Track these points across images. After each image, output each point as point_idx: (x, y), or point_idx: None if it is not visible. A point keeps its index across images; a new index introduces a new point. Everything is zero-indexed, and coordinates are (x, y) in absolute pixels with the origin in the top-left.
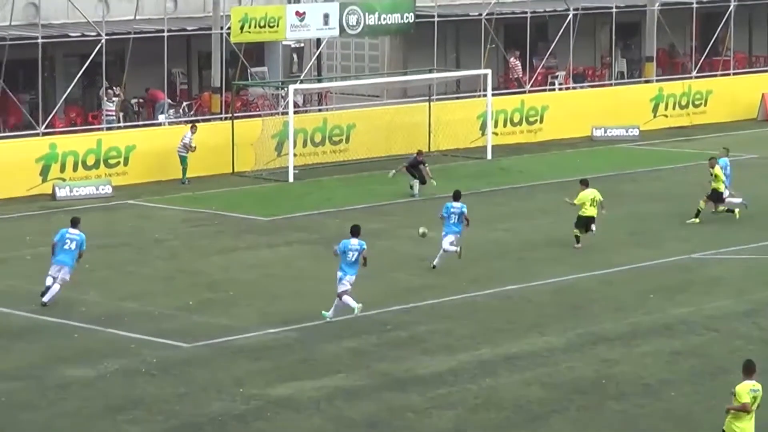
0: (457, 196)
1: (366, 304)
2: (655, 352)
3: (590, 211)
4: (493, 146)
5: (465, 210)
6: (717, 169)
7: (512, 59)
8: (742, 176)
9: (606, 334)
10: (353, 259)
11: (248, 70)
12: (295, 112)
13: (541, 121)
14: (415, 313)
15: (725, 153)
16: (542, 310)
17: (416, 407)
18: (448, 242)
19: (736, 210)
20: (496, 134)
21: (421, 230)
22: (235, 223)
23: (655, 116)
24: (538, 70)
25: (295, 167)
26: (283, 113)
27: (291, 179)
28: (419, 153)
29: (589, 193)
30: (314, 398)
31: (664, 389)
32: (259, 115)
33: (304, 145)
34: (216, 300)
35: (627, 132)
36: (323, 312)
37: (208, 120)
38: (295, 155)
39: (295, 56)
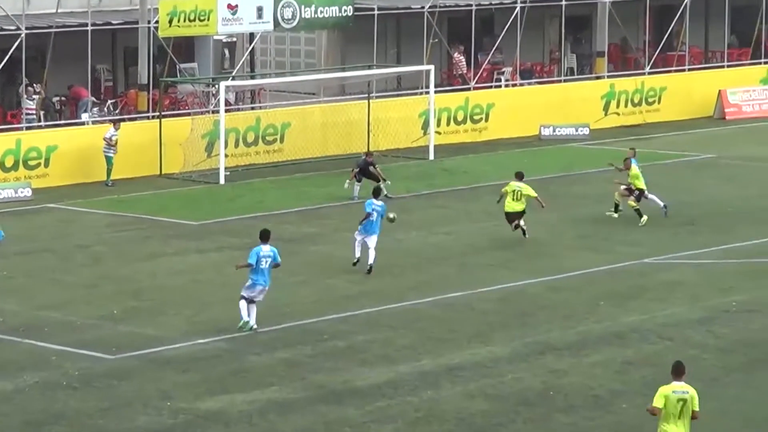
0: (377, 193)
1: (301, 313)
2: (605, 361)
3: (512, 205)
4: (435, 146)
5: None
6: (634, 169)
7: (456, 54)
8: (698, 177)
9: (554, 344)
10: (267, 267)
11: (177, 67)
12: (226, 111)
13: (487, 120)
14: (352, 322)
15: (633, 153)
16: (486, 319)
17: (353, 421)
18: (372, 242)
19: (644, 218)
20: (439, 133)
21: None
22: (163, 228)
23: (606, 114)
24: (484, 65)
25: (226, 169)
26: (213, 112)
27: (222, 181)
28: (368, 154)
29: (512, 185)
30: (246, 412)
31: (615, 401)
32: (189, 114)
33: (236, 145)
34: (142, 308)
35: (577, 131)
36: (243, 322)
37: (135, 119)
38: (226, 156)
39: (226, 51)
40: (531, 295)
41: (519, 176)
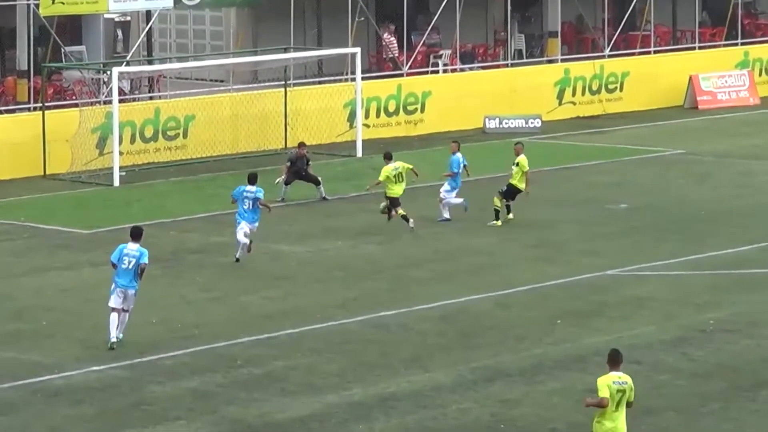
0: (252, 180)
1: (210, 335)
2: (564, 389)
3: (396, 189)
4: (364, 141)
5: (261, 195)
6: (522, 159)
7: (386, 35)
8: (666, 176)
9: (504, 369)
10: (129, 268)
11: (62, 50)
12: (120, 101)
13: (423, 110)
14: (270, 345)
15: (457, 147)
16: (425, 341)
17: None
18: (241, 233)
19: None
20: (368, 126)
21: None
22: (49, 237)
23: (560, 104)
24: (418, 48)
25: (121, 168)
26: (105, 102)
27: (116, 183)
28: (301, 145)
29: (391, 168)
30: None
31: None
32: (77, 105)
33: (132, 141)
34: (25, 331)
35: (527, 123)
36: (112, 340)
37: (13, 111)
38: (120, 153)
39: (119, 32)
40: (476, 314)
41: (388, 157)
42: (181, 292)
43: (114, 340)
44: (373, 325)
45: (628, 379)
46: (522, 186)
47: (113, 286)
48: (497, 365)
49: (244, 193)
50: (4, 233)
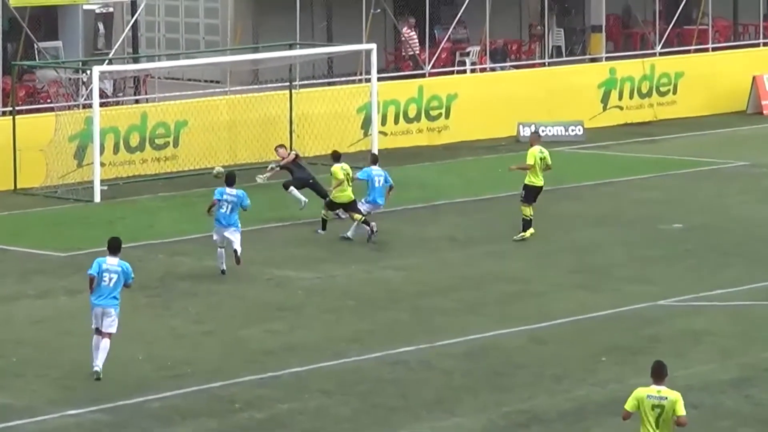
0: (231, 181)
1: (205, 374)
2: None
3: (349, 193)
4: (380, 151)
5: (246, 202)
6: (530, 151)
7: (406, 29)
8: (726, 192)
9: (541, 414)
10: (110, 285)
11: (35, 46)
12: (101, 105)
13: (447, 116)
14: (273, 386)
15: (374, 160)
16: (451, 381)
17: None
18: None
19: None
20: (385, 134)
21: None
22: (20, 261)
23: (605, 109)
24: (442, 44)
25: (103, 182)
26: (84, 106)
27: (97, 198)
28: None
29: (339, 167)
30: None
31: None
32: (52, 109)
33: (116, 150)
34: None
35: (567, 131)
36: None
37: None
38: (102, 165)
39: (101, 26)
40: (508, 350)
41: (336, 157)
42: (170, 324)
43: (96, 368)
44: (391, 363)
45: (670, 394)
46: (537, 182)
47: (91, 306)
48: (532, 409)
49: (224, 196)
50: None
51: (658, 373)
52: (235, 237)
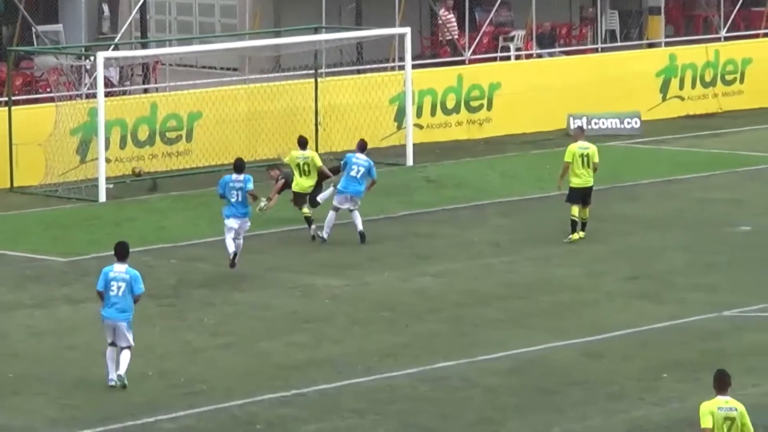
0: (239, 167)
1: (223, 391)
2: None
3: (302, 183)
4: (415, 146)
5: (250, 185)
6: (569, 148)
7: (443, 12)
8: None
9: None
10: (119, 294)
11: (33, 30)
12: (107, 94)
13: (489, 107)
14: (299, 405)
15: (361, 147)
16: (495, 399)
17: None
18: (230, 237)
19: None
20: (421, 127)
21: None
22: (16, 266)
23: (664, 99)
24: (484, 28)
25: (108, 180)
26: (88, 96)
27: (102, 198)
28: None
29: (299, 154)
30: None
31: None
32: (52, 99)
33: (122, 144)
34: None
35: (622, 123)
36: (110, 383)
37: None
38: (108, 161)
39: (105, 8)
40: (559, 365)
41: (302, 143)
42: (184, 337)
43: (113, 382)
44: (429, 380)
45: (738, 405)
46: (577, 181)
47: (102, 319)
48: (586, 430)
49: (230, 184)
50: None
51: (722, 383)
52: (242, 230)
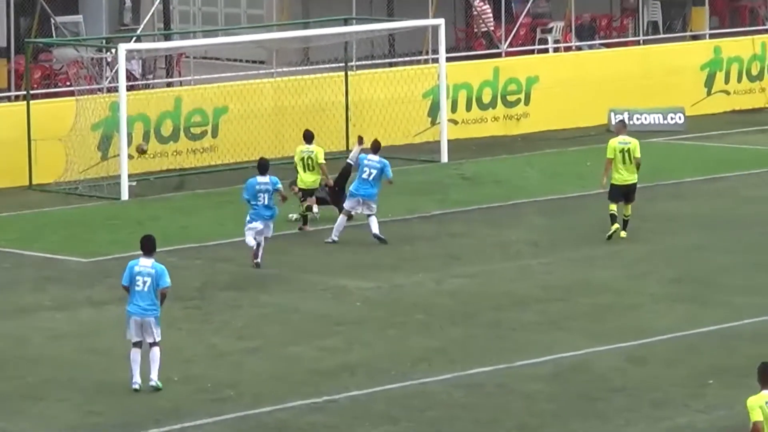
0: (263, 168)
1: (251, 397)
2: None
3: (305, 178)
4: (450, 142)
5: (279, 185)
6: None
7: (479, 2)
8: None
9: None
10: (145, 290)
11: (52, 21)
12: (129, 88)
13: (527, 102)
14: (329, 412)
15: (374, 148)
16: (533, 406)
17: None
18: (251, 235)
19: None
20: (456, 123)
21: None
22: (36, 267)
23: (709, 93)
24: (521, 19)
25: (131, 177)
26: (109, 90)
27: (125, 196)
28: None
29: (302, 149)
30: None
31: None
32: (72, 93)
33: (146, 140)
34: (6, 391)
35: (665, 119)
36: (134, 386)
37: None
38: (130, 157)
39: None
40: (600, 371)
41: (308, 137)
42: (210, 341)
43: (137, 385)
44: (465, 386)
45: None
46: (619, 178)
47: (126, 315)
48: None
49: (256, 186)
50: None
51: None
52: (267, 232)
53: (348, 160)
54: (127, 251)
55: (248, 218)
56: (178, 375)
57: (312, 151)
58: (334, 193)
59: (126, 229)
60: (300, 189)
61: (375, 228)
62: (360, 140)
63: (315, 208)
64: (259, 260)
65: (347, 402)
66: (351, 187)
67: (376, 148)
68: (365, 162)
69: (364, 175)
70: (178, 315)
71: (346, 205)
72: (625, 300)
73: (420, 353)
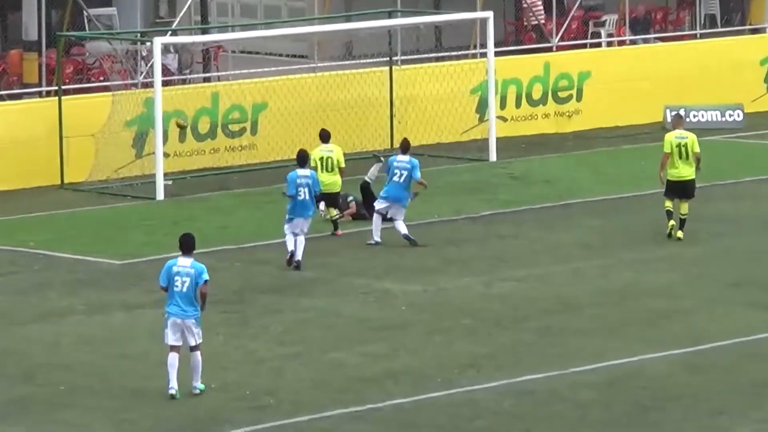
0: (303, 160)
1: (291, 405)
2: None
3: (324, 179)
4: (499, 140)
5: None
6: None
7: None
8: None
9: None
10: (184, 290)
11: (85, 14)
12: (165, 84)
13: (579, 98)
14: (372, 421)
15: (404, 148)
16: (586, 415)
17: None
18: (291, 239)
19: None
20: (504, 120)
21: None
22: (68, 270)
23: None
24: (573, 12)
25: (166, 175)
26: (144, 85)
27: (160, 195)
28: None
29: (320, 149)
30: None
31: None
32: (106, 89)
33: (182, 137)
34: (37, 398)
35: (723, 116)
36: (171, 391)
37: (18, 96)
38: (166, 155)
39: None
40: (656, 378)
41: (324, 137)
42: (249, 346)
43: (173, 390)
44: (514, 393)
45: None
46: (676, 173)
47: (165, 316)
48: None
49: (297, 180)
50: (8, 264)
51: None
52: (304, 230)
53: (366, 178)
54: (162, 253)
55: (287, 216)
56: (216, 382)
57: (331, 151)
58: (369, 208)
59: (161, 230)
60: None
61: (403, 229)
62: (377, 158)
63: (321, 206)
64: (299, 258)
65: (391, 411)
66: (382, 192)
67: (405, 147)
68: (395, 164)
69: (395, 178)
70: (215, 319)
71: (377, 205)
72: (682, 304)
73: (467, 359)
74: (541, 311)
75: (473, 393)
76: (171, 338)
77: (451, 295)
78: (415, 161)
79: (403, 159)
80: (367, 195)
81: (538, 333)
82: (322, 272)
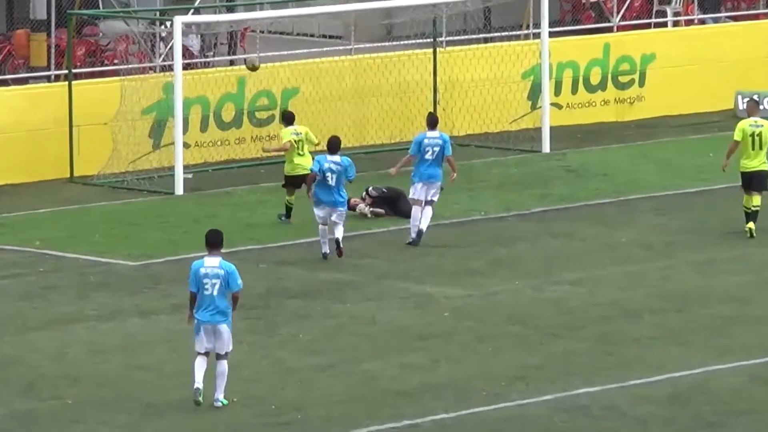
0: (334, 146)
1: (321, 420)
2: None
3: (304, 162)
4: (553, 129)
5: (352, 173)
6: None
7: None
8: None
9: None
10: (215, 293)
11: None
12: (186, 67)
13: (642, 83)
14: None
15: (432, 123)
16: (647, 431)
17: None
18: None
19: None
20: (560, 107)
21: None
22: (77, 271)
23: None
24: None
25: (186, 168)
26: (163, 68)
27: (180, 190)
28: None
29: (291, 130)
30: None
31: None
32: (120, 72)
33: (204, 127)
34: (42, 412)
35: None
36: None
37: (25, 80)
38: (186, 146)
39: None
40: (723, 392)
41: (288, 118)
42: (276, 356)
43: (199, 385)
44: (567, 408)
45: None
46: (749, 164)
47: (195, 322)
48: None
49: (325, 165)
50: (13, 265)
51: None
52: (339, 219)
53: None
54: (180, 253)
55: (314, 194)
56: (239, 395)
57: (300, 132)
58: (390, 202)
59: (180, 228)
60: (290, 176)
61: (426, 221)
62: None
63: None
64: (341, 247)
65: (432, 427)
66: (413, 175)
67: (433, 122)
68: (425, 141)
69: (427, 155)
70: (239, 326)
71: (413, 194)
72: (752, 311)
73: (516, 371)
74: (597, 318)
75: (522, 408)
76: (201, 346)
77: (498, 300)
78: (446, 136)
79: (433, 134)
80: (386, 202)
81: (594, 342)
82: (356, 274)
